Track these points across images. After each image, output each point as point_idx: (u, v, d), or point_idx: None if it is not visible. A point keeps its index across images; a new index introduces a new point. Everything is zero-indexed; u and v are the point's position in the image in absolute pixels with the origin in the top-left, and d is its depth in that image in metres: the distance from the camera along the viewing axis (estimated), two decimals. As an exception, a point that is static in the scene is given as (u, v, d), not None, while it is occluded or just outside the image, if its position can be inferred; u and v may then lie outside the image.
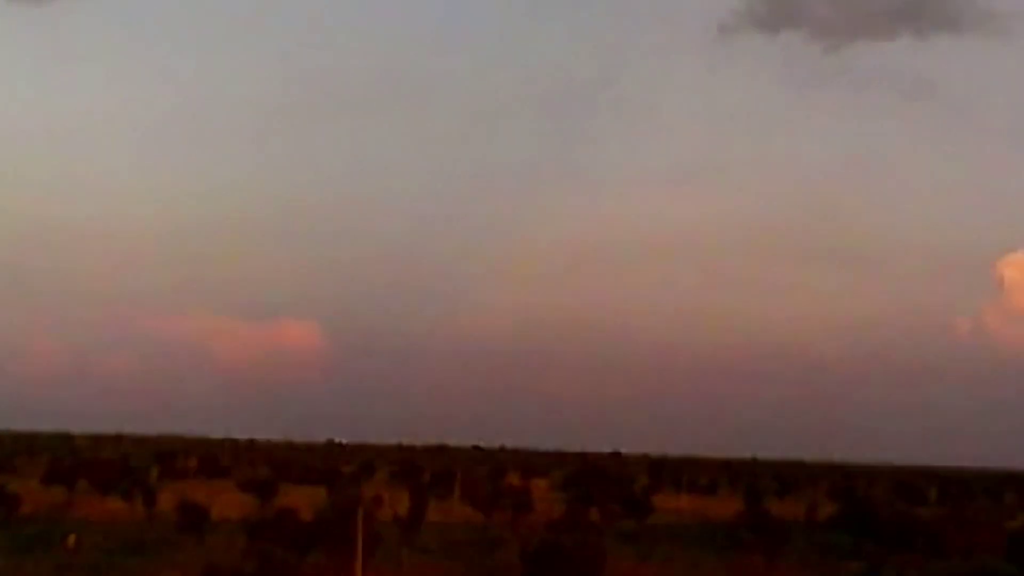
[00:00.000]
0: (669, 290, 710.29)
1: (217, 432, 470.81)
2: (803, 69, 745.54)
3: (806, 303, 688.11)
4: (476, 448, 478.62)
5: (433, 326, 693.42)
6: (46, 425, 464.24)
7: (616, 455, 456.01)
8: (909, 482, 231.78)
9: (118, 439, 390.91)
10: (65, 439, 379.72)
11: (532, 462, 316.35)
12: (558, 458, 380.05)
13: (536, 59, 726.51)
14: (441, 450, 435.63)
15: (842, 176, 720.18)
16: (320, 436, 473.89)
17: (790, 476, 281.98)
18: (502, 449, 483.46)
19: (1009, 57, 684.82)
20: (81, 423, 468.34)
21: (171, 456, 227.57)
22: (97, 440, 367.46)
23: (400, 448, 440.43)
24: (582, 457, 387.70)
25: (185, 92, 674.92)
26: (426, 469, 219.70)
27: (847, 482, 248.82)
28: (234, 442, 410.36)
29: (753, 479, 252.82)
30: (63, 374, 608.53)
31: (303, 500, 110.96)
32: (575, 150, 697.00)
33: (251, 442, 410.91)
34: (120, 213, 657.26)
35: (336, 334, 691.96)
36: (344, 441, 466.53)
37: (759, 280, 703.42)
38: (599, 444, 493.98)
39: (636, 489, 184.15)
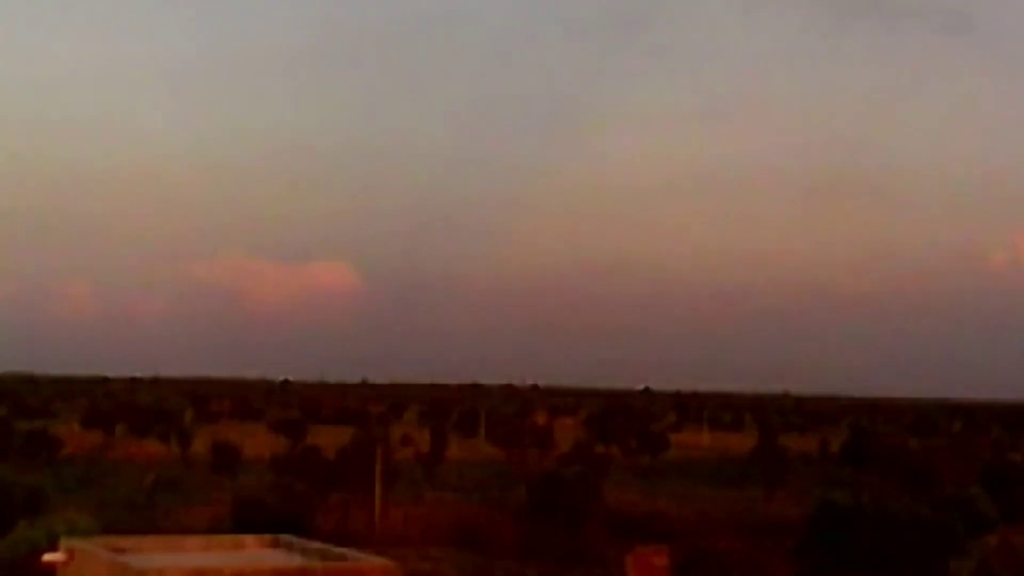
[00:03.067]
0: (701, 228, 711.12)
1: (251, 374, 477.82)
2: (836, 6, 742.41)
3: (839, 239, 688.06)
4: (508, 387, 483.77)
5: (465, 265, 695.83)
6: (82, 369, 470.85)
7: (647, 392, 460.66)
8: (930, 416, 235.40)
9: (154, 382, 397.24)
10: (101, 382, 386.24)
11: (562, 400, 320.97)
12: (588, 396, 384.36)
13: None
14: (473, 389, 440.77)
15: (875, 113, 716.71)
16: (353, 377, 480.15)
17: (816, 411, 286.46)
18: (534, 388, 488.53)
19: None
20: (116, 367, 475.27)
21: (205, 399, 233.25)
22: (133, 383, 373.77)
23: (432, 387, 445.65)
24: (612, 395, 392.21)
25: (214, 35, 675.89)
26: (454, 408, 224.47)
27: (870, 417, 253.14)
28: (268, 383, 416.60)
29: (776, 415, 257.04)
30: (97, 318, 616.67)
31: (331, 439, 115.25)
32: (609, 88, 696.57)
33: (284, 383, 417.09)
34: (151, 156, 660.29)
35: (369, 275, 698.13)
36: (376, 381, 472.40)
37: (791, 217, 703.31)
38: (630, 381, 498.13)
39: (657, 426, 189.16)
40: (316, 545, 23.92)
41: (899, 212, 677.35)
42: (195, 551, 22.40)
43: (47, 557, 22.01)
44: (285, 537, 24.61)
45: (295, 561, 21.80)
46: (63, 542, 22.52)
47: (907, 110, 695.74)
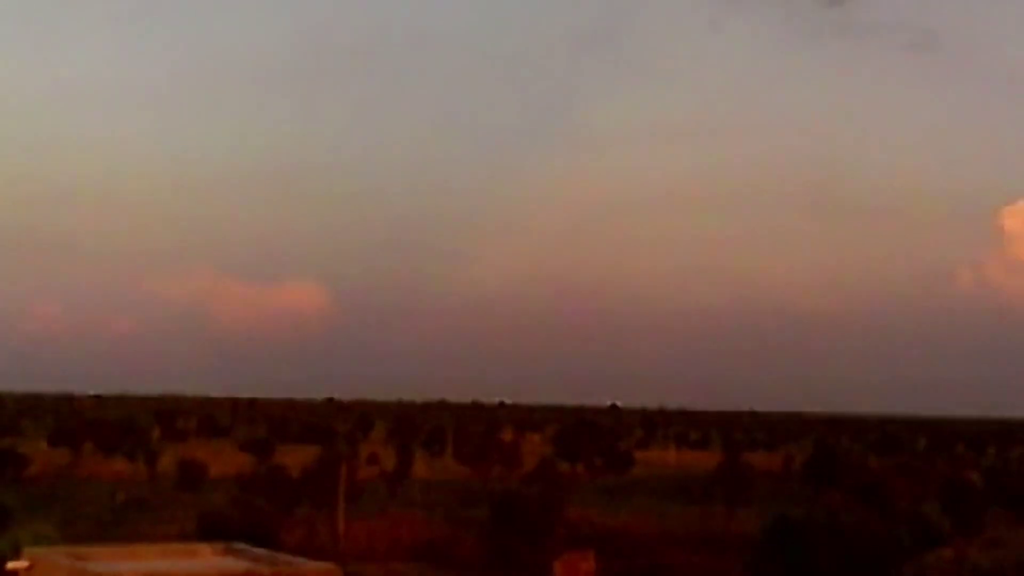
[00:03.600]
0: (669, 246, 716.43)
1: (218, 392, 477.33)
2: (806, 22, 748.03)
3: (806, 256, 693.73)
4: (475, 404, 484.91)
5: (433, 284, 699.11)
6: (49, 386, 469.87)
7: (614, 409, 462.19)
8: (895, 434, 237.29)
9: (121, 400, 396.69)
10: (68, 400, 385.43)
11: (529, 417, 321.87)
12: (555, 413, 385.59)
13: (536, 12, 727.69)
14: (441, 407, 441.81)
15: (843, 129, 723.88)
16: (321, 394, 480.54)
17: (782, 429, 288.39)
18: (501, 405, 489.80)
19: (1013, 7, 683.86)
20: (84, 384, 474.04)
21: (172, 416, 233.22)
22: (100, 401, 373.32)
23: (400, 405, 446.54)
24: (579, 412, 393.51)
25: (186, 56, 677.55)
26: (422, 426, 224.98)
27: (835, 434, 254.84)
28: (234, 401, 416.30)
29: (741, 432, 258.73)
30: (65, 335, 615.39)
31: (299, 458, 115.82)
32: (575, 107, 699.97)
33: (252, 401, 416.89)
34: (121, 173, 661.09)
35: (338, 293, 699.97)
36: (344, 399, 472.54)
37: (758, 234, 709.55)
38: (597, 399, 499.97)
39: (624, 443, 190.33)
40: (265, 552, 24.91)
41: (866, 230, 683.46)
42: (151, 558, 23.54)
43: (10, 565, 22.99)
44: (237, 545, 25.76)
45: (243, 566, 22.81)
46: (26, 551, 23.49)
47: (874, 128, 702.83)
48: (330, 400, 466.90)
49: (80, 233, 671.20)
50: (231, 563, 22.77)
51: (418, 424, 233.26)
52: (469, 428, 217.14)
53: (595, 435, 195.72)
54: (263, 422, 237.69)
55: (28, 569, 22.32)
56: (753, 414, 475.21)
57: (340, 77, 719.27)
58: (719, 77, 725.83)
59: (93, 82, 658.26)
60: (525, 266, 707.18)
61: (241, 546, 25.09)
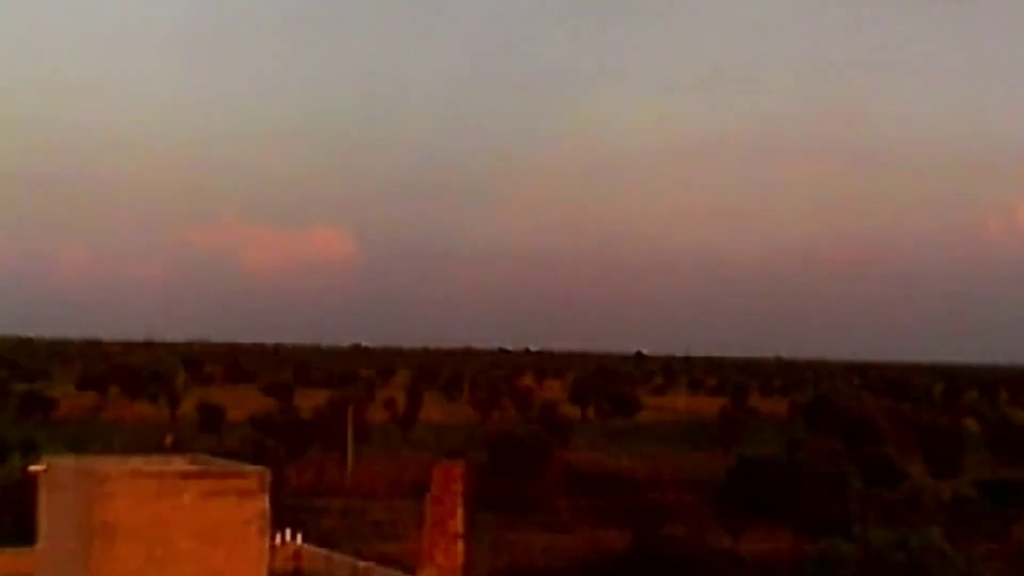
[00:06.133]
0: (695, 194, 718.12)
1: (246, 338, 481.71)
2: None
3: (835, 204, 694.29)
4: (501, 351, 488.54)
5: (462, 231, 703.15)
6: (78, 332, 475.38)
7: (639, 356, 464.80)
8: (906, 380, 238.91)
9: (148, 346, 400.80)
10: (96, 346, 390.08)
11: (552, 364, 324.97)
12: (580, 360, 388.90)
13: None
14: (467, 354, 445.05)
15: (869, 77, 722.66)
16: (349, 341, 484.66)
17: (800, 376, 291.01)
18: (527, 352, 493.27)
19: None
20: (112, 330, 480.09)
21: (198, 362, 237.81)
22: (128, 347, 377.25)
23: (425, 352, 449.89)
24: (604, 359, 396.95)
25: (212, 2, 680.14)
26: (443, 372, 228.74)
27: (848, 380, 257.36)
28: (261, 347, 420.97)
29: (758, 379, 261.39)
30: (94, 282, 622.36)
31: (317, 402, 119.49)
32: (603, 55, 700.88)
33: (277, 347, 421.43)
34: (149, 121, 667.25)
35: (366, 240, 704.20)
36: (371, 346, 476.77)
37: (786, 182, 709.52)
38: (622, 345, 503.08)
39: (642, 389, 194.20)
40: (219, 460, 29.71)
41: (894, 179, 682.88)
42: (138, 464, 28.50)
43: (31, 468, 28.45)
44: (202, 456, 30.56)
45: (188, 467, 27.78)
46: (43, 459, 29.11)
47: (904, 77, 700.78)
48: (356, 347, 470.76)
49: (109, 180, 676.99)
50: (182, 464, 27.88)
51: (439, 371, 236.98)
52: (491, 375, 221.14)
53: (610, 381, 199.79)
54: (288, 368, 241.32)
55: (44, 470, 27.66)
56: (779, 360, 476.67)
57: (365, 24, 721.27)
58: (746, 27, 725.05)
59: (122, 28, 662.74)
60: (554, 213, 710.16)
61: (204, 456, 30.07)
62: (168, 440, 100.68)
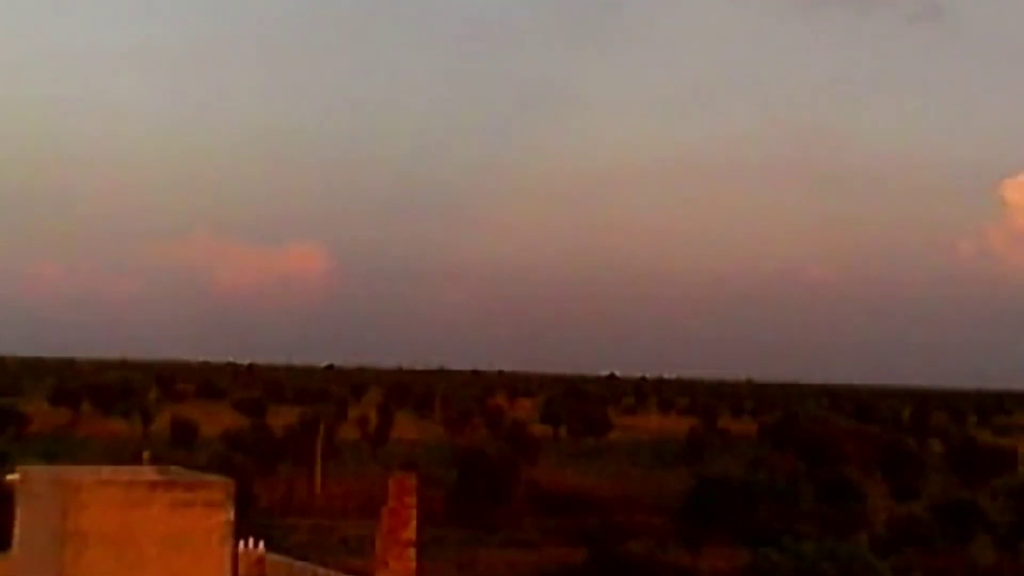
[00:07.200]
0: (668, 216, 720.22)
1: (219, 356, 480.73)
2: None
3: (807, 226, 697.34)
4: (474, 372, 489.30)
5: (437, 250, 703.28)
6: (50, 350, 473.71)
7: (611, 377, 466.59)
8: (873, 403, 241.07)
9: (121, 363, 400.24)
10: (69, 363, 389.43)
11: (525, 385, 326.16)
12: (552, 381, 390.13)
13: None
14: (440, 374, 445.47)
15: (844, 99, 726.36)
16: (322, 360, 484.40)
17: (771, 397, 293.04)
18: (500, 373, 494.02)
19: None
20: (84, 348, 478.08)
21: (170, 379, 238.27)
22: (100, 364, 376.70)
23: (398, 372, 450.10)
24: (577, 381, 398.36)
25: (188, 18, 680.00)
26: (415, 391, 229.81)
27: (818, 401, 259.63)
28: (234, 366, 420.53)
29: (729, 400, 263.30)
30: (66, 299, 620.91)
31: (288, 419, 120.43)
32: (579, 74, 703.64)
33: (250, 366, 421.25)
34: (123, 136, 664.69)
35: (341, 257, 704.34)
36: (345, 365, 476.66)
37: (759, 204, 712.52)
38: (595, 367, 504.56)
39: (613, 409, 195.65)
40: (190, 472, 31.04)
41: (866, 200, 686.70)
42: (110, 474, 29.82)
43: (7, 477, 29.74)
44: (174, 468, 31.86)
45: (155, 476, 29.11)
46: (19, 468, 30.39)
47: (876, 97, 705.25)
48: (330, 367, 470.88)
49: (82, 195, 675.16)
50: (150, 473, 29.20)
51: (411, 389, 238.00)
52: (462, 394, 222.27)
53: (581, 401, 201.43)
54: (260, 386, 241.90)
55: (20, 480, 28.94)
56: (750, 383, 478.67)
57: (343, 40, 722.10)
58: (723, 46, 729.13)
59: (94, 44, 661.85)
60: (529, 234, 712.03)
61: (176, 468, 31.41)
62: (146, 456, 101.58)
